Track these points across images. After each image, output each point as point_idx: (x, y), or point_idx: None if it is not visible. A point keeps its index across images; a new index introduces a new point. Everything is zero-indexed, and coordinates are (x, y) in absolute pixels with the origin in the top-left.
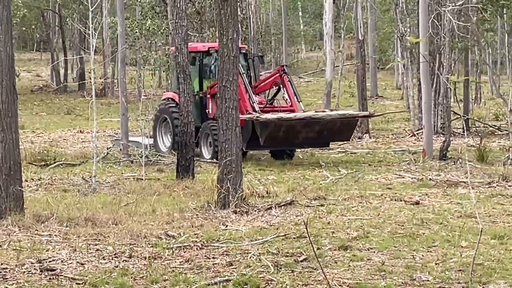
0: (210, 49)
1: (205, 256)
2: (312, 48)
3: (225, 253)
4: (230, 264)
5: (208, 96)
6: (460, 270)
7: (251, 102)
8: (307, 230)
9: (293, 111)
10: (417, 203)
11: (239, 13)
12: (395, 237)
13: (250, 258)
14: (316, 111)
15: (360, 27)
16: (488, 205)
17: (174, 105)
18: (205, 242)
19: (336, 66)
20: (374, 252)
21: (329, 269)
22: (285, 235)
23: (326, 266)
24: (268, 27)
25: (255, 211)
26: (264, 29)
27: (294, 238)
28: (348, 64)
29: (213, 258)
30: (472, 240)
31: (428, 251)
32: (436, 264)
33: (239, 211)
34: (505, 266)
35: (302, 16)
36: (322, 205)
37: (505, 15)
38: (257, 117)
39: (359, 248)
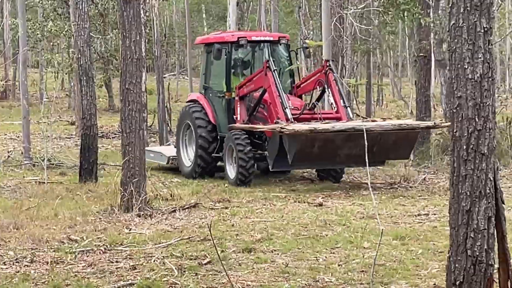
0: (240, 39)
1: (108, 260)
2: None
3: (128, 256)
4: (133, 268)
5: (236, 98)
6: (362, 271)
7: (283, 107)
8: (210, 233)
9: (339, 119)
10: (320, 204)
11: (142, 15)
12: (298, 239)
13: (153, 261)
14: (363, 120)
15: (264, 30)
16: (390, 206)
17: (199, 109)
18: (108, 246)
19: None
20: (278, 254)
21: (233, 271)
22: (189, 238)
23: (230, 269)
24: (172, 29)
25: (159, 214)
26: (168, 32)
27: (198, 241)
28: None
29: (117, 262)
30: (374, 241)
31: (331, 253)
32: (339, 265)
33: (142, 214)
34: (407, 267)
35: (206, 18)
36: (226, 208)
37: (406, 18)
38: (282, 127)
39: (263, 250)
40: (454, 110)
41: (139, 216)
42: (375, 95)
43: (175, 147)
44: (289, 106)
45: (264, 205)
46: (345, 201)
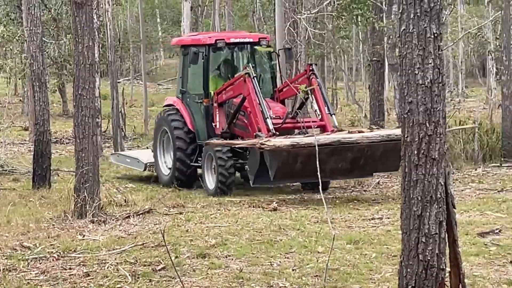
0: (218, 41)
1: (62, 267)
2: (170, 55)
3: (82, 263)
4: (87, 274)
5: (215, 105)
6: (316, 275)
7: (264, 117)
8: (164, 239)
9: (323, 127)
10: (275, 209)
11: (95, 20)
12: (252, 243)
13: (107, 268)
14: (349, 131)
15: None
16: (344, 210)
17: (174, 112)
18: (61, 252)
19: None
20: (232, 259)
21: (187, 277)
22: (143, 244)
23: (184, 275)
24: (126, 34)
25: (113, 220)
26: (122, 36)
27: (152, 247)
28: None
29: (70, 269)
30: (328, 245)
31: (285, 257)
32: (293, 270)
33: (96, 220)
34: (360, 271)
35: (160, 23)
36: (180, 213)
37: (359, 22)
38: (262, 143)
39: (217, 256)
40: (405, 115)
41: (93, 223)
42: (329, 99)
43: (152, 151)
44: (270, 116)
45: (219, 210)
46: (300, 206)
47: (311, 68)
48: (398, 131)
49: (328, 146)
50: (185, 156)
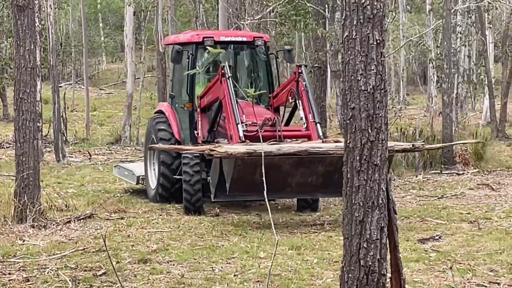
0: (206, 39)
1: (1, 272)
2: (113, 59)
3: (21, 268)
4: (27, 280)
5: (198, 110)
6: (258, 281)
7: (236, 123)
8: (105, 244)
9: (309, 137)
10: (217, 214)
11: (37, 23)
12: (195, 249)
13: (47, 273)
14: (323, 141)
15: (161, 39)
16: (286, 216)
17: (163, 120)
18: (1, 257)
19: (137, 78)
20: (174, 264)
21: (128, 282)
22: (84, 249)
23: (126, 280)
24: (68, 38)
25: (53, 225)
26: (64, 40)
27: (93, 252)
28: (149, 76)
29: (9, 274)
30: (270, 251)
31: (227, 263)
32: (234, 275)
33: (37, 225)
34: (302, 276)
35: (103, 27)
36: (122, 218)
37: (301, 29)
38: (211, 149)
39: (158, 261)
40: (348, 121)
41: (33, 227)
42: None
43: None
44: (244, 122)
45: (161, 215)
46: (242, 211)
47: (299, 71)
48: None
49: (292, 157)
50: (169, 171)
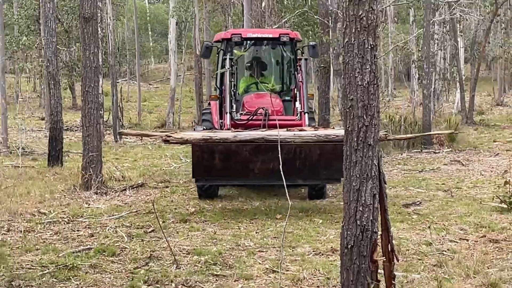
0: (234, 35)
1: (71, 229)
2: (159, 60)
3: (87, 226)
4: (91, 235)
5: (215, 102)
6: (275, 237)
7: (225, 111)
8: (153, 207)
9: (301, 126)
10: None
11: (99, 32)
12: (224, 211)
13: (108, 230)
14: (289, 129)
15: (198, 45)
16: (298, 187)
17: (208, 111)
18: (71, 218)
19: (179, 75)
20: (208, 224)
21: (172, 238)
22: (136, 211)
23: (170, 236)
24: (124, 43)
25: (112, 192)
26: (120, 45)
27: (144, 213)
28: (188, 74)
29: (78, 230)
30: (285, 213)
31: (250, 223)
32: (256, 232)
33: (99, 192)
34: (310, 233)
35: (151, 35)
36: (167, 187)
37: (311, 37)
38: (168, 135)
39: (196, 221)
40: (347, 110)
41: (96, 194)
42: None
43: None
44: (236, 111)
45: None
46: None
47: (299, 64)
48: (339, 132)
49: (249, 144)
50: None
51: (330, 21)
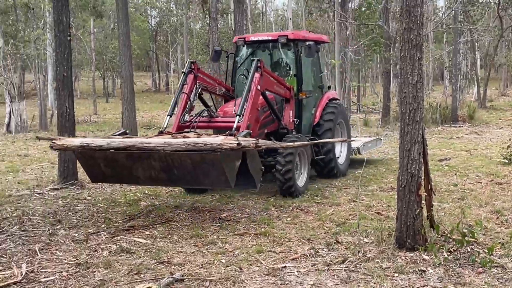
0: (238, 39)
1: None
2: None
3: None
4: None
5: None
6: (354, 179)
7: (168, 114)
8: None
9: (230, 128)
10: None
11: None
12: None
13: None
14: (173, 136)
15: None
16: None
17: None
18: None
19: None
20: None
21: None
22: None
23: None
24: None
25: None
26: None
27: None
28: None
29: None
30: (361, 166)
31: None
32: (342, 177)
33: None
34: (377, 177)
35: None
36: None
37: (378, 53)
38: (53, 141)
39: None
40: (402, 99)
41: None
42: (362, 92)
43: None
44: (172, 114)
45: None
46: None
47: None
48: (213, 140)
49: (122, 151)
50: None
51: (391, 42)
